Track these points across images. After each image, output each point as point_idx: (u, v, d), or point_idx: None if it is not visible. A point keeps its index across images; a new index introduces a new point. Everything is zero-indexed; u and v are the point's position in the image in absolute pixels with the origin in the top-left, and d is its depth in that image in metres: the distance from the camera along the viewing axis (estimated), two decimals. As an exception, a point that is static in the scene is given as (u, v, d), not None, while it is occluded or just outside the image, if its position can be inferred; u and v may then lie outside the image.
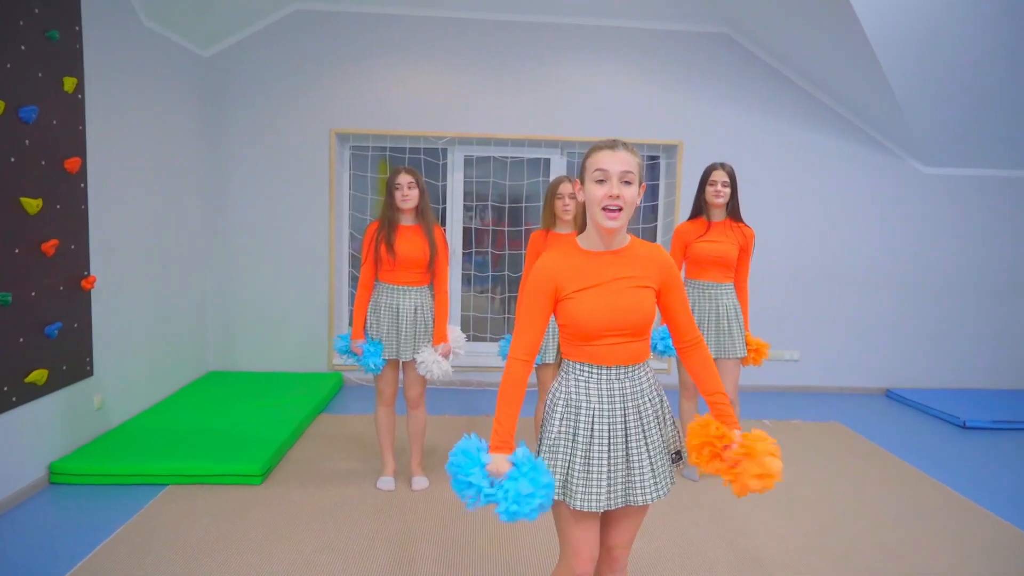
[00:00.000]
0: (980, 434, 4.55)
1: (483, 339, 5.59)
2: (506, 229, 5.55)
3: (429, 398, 4.84)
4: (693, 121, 5.31)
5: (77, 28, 3.37)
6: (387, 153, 5.38)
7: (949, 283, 5.50)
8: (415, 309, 3.21)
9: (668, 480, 1.73)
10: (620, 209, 1.61)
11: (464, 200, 5.51)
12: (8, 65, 2.90)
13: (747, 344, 3.45)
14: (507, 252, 5.56)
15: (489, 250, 5.58)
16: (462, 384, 5.37)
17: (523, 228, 5.54)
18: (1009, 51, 4.29)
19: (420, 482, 3.37)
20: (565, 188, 3.21)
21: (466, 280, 5.61)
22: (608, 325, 1.63)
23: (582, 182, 1.69)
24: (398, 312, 3.20)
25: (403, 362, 3.29)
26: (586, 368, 1.67)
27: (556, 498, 1.66)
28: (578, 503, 1.64)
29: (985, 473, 3.80)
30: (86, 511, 3.02)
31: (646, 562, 2.68)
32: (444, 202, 5.46)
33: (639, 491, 1.67)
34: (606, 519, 1.81)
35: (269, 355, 5.28)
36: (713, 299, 3.41)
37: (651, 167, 5.59)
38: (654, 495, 1.69)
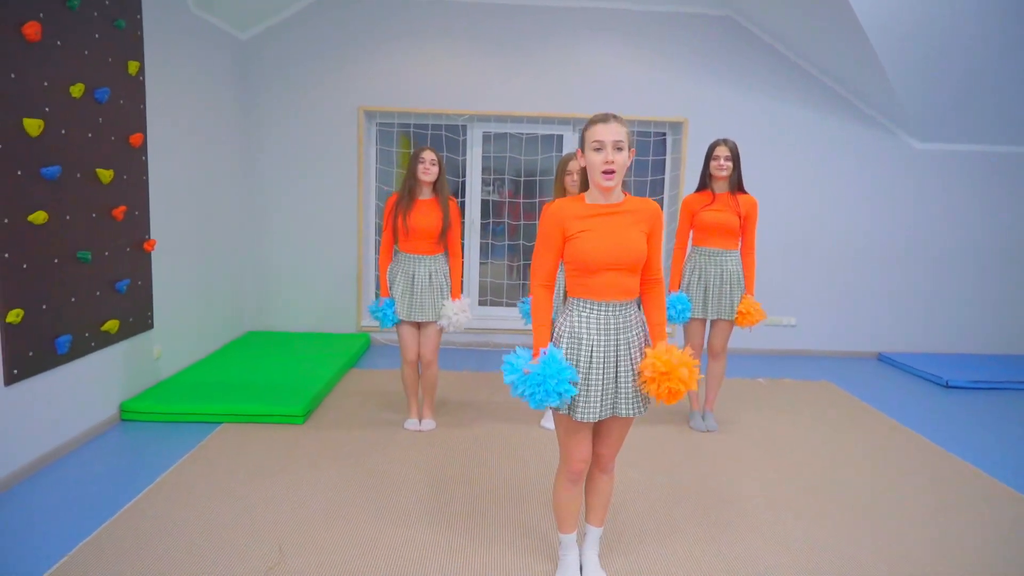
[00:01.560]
0: (960, 392, 4.90)
1: (499, 304, 6.00)
2: (521, 201, 5.92)
3: (448, 358, 5.30)
4: (698, 99, 5.63)
5: (138, 16, 3.76)
6: (411, 129, 5.76)
7: (941, 254, 5.82)
8: (429, 276, 3.62)
9: (647, 401, 2.15)
10: (614, 171, 2.00)
11: (482, 174, 5.88)
12: (86, 52, 3.30)
13: (744, 305, 3.77)
14: (522, 222, 5.93)
15: (506, 221, 5.96)
16: (480, 345, 5.79)
17: (537, 200, 5.92)
18: (999, 29, 4.55)
19: (428, 424, 3.84)
20: (574, 165, 3.54)
21: (484, 249, 6.00)
22: (607, 259, 2.02)
23: (583, 151, 2.08)
24: (413, 278, 3.61)
25: (420, 324, 3.71)
26: (587, 304, 2.07)
27: (560, 412, 2.07)
28: (578, 415, 2.06)
29: (961, 427, 4.16)
30: (154, 443, 3.48)
31: (640, 490, 3.09)
32: (464, 176, 5.84)
33: (623, 406, 2.09)
34: (597, 432, 2.23)
35: (302, 316, 5.72)
36: (718, 264, 3.74)
37: (658, 143, 5.93)
38: (636, 411, 2.11)
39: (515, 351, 2.13)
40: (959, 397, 4.79)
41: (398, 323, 3.67)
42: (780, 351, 5.91)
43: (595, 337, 2.06)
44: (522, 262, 6.02)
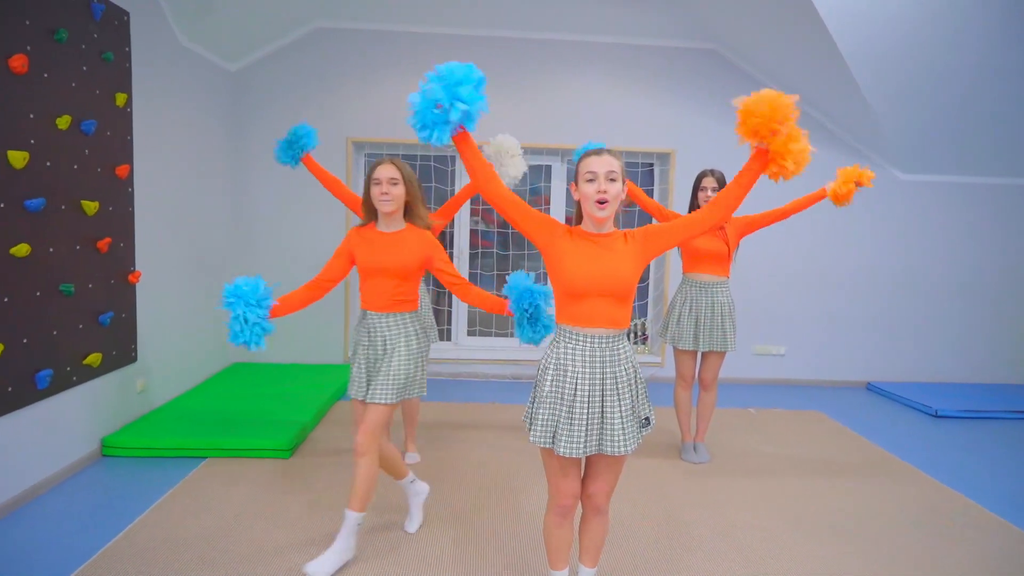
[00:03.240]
0: (949, 422, 4.90)
1: (488, 334, 5.97)
2: (510, 232, 5.93)
3: (436, 388, 5.24)
4: (684, 131, 5.70)
5: (127, 49, 3.76)
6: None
7: (929, 284, 5.86)
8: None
9: (635, 439, 2.08)
10: (607, 201, 2.01)
11: (471, 203, 5.89)
12: (73, 84, 3.29)
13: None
14: (511, 252, 5.93)
15: (495, 251, 5.96)
16: (468, 376, 5.74)
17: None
18: (977, 63, 4.65)
19: (411, 457, 3.79)
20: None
21: (472, 279, 5.99)
22: (591, 284, 1.99)
23: (577, 184, 2.08)
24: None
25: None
26: (574, 334, 2.04)
27: (545, 447, 2.04)
28: (562, 450, 2.01)
29: (951, 456, 4.15)
30: (136, 480, 3.40)
31: (633, 524, 3.05)
32: (452, 206, 5.83)
33: (609, 443, 2.03)
34: (588, 472, 2.19)
35: (288, 348, 5.66)
36: (709, 295, 3.73)
37: (646, 173, 5.97)
38: (623, 448, 2.03)
39: None
40: (948, 426, 4.79)
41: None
42: (770, 380, 5.90)
43: (579, 369, 2.02)
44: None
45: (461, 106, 1.93)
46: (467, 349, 5.88)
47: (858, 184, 3.71)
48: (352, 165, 5.60)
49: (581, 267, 2.01)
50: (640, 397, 2.11)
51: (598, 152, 2.07)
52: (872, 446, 4.25)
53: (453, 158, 5.81)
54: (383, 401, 2.58)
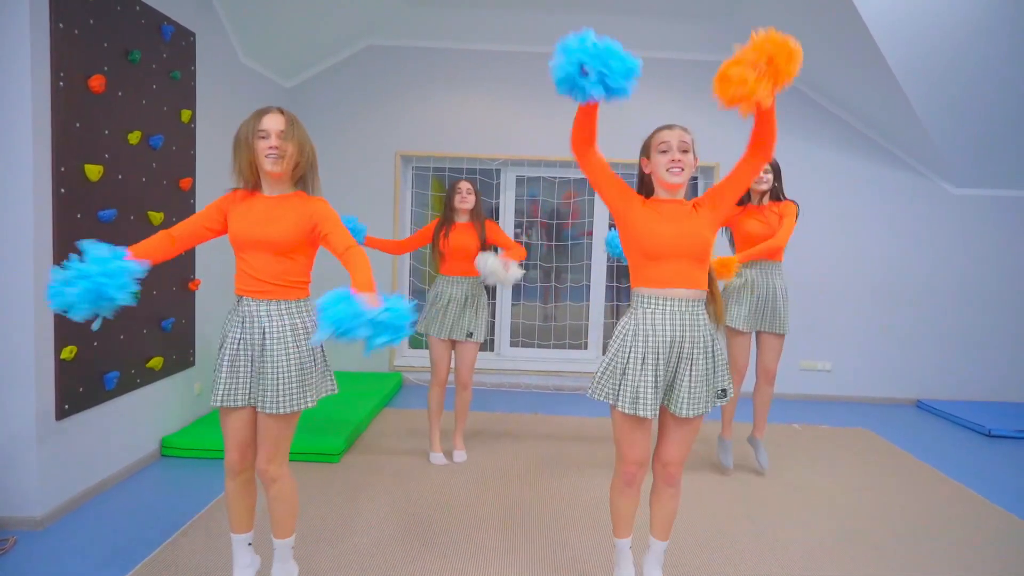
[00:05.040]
0: (1003, 442, 4.77)
1: (531, 345, 6.03)
2: (554, 244, 6.00)
3: (479, 398, 5.30)
4: (729, 144, 5.66)
5: (192, 68, 3.96)
6: (446, 173, 5.90)
7: (981, 300, 5.72)
8: (465, 297, 3.79)
9: (706, 404, 2.13)
10: (682, 168, 2.08)
11: (515, 216, 5.98)
12: (144, 101, 3.49)
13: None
14: (554, 264, 6.00)
15: (539, 262, 6.03)
16: (511, 386, 5.81)
17: (569, 243, 5.98)
18: (1029, 78, 4.57)
19: (460, 455, 3.92)
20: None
21: (515, 291, 6.06)
22: (670, 244, 2.05)
23: (648, 157, 2.17)
24: (449, 299, 3.77)
25: (456, 343, 3.83)
26: (653, 298, 2.09)
27: (617, 407, 2.10)
28: (627, 408, 2.08)
29: (1005, 477, 4.05)
30: (193, 479, 3.54)
31: (674, 533, 3.07)
32: (497, 218, 5.94)
33: (675, 404, 2.11)
34: (660, 437, 2.25)
35: (337, 356, 5.80)
36: (766, 276, 3.68)
37: (690, 188, 5.96)
38: (688, 411, 2.10)
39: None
40: (1002, 446, 4.67)
41: (431, 336, 3.81)
42: (815, 396, 5.82)
43: (660, 333, 2.08)
44: (553, 304, 6.06)
45: (599, 89, 1.86)
46: (510, 360, 5.95)
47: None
48: (400, 178, 5.74)
49: (657, 228, 2.07)
50: (719, 367, 2.16)
51: (670, 126, 2.16)
52: (922, 465, 4.17)
53: (498, 171, 5.91)
54: (276, 411, 2.09)
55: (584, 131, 2.03)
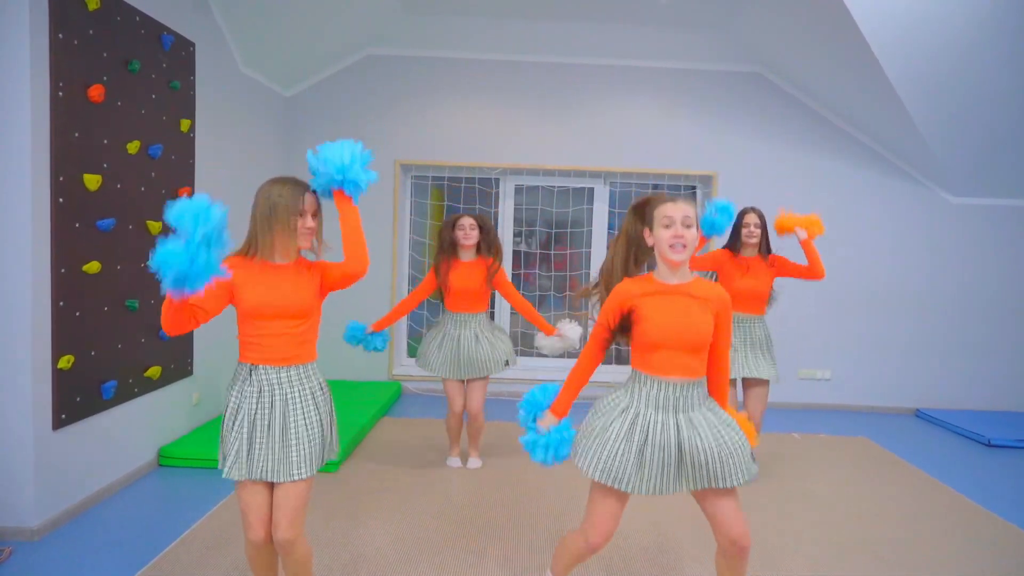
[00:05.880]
0: (1003, 451, 4.76)
1: (530, 355, 6.02)
2: (552, 252, 6.00)
3: (489, 405, 5.29)
4: (728, 153, 5.71)
5: (192, 77, 3.97)
6: (445, 182, 5.92)
7: (981, 308, 5.72)
8: (475, 335, 3.76)
9: (745, 471, 2.05)
10: (685, 245, 2.04)
11: (514, 226, 5.99)
12: (143, 111, 3.49)
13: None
14: (553, 273, 6.00)
15: (537, 272, 6.03)
16: (509, 395, 5.79)
17: (568, 252, 5.99)
18: (1027, 89, 4.59)
19: (474, 462, 3.99)
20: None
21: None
22: (673, 338, 2.02)
23: (651, 229, 2.11)
24: (459, 338, 3.74)
25: (467, 381, 3.86)
26: (649, 380, 2.06)
27: (602, 481, 2.05)
28: (625, 485, 2.02)
29: (1005, 487, 4.04)
30: (190, 489, 3.53)
31: (668, 546, 3.05)
32: (496, 227, 5.94)
33: (720, 478, 2.03)
34: (717, 517, 2.09)
35: (335, 364, 5.80)
36: (746, 330, 3.75)
37: (688, 197, 5.98)
38: (735, 480, 2.03)
39: (541, 391, 2.29)
40: (1002, 456, 4.65)
41: (444, 378, 3.81)
42: (814, 405, 5.81)
43: (652, 412, 2.04)
44: (552, 312, 6.06)
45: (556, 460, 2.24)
46: (510, 369, 5.92)
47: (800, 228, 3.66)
48: (399, 187, 5.75)
49: (657, 320, 2.03)
50: (731, 433, 2.08)
51: (673, 198, 2.10)
52: (921, 474, 4.16)
53: (497, 181, 5.93)
54: (301, 477, 2.07)
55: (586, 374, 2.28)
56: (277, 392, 2.08)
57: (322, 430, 2.15)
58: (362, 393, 5.27)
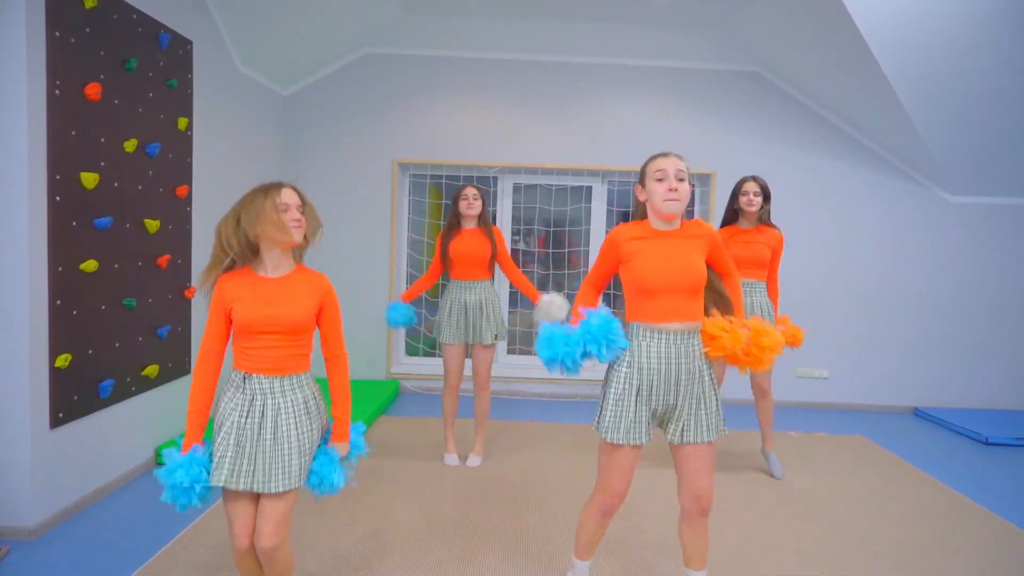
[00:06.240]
0: (1002, 450, 4.77)
1: (529, 353, 6.03)
2: (550, 251, 6.00)
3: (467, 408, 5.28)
4: (726, 152, 5.71)
5: (189, 76, 3.97)
6: (443, 180, 5.91)
7: (980, 307, 5.72)
8: (480, 302, 3.85)
9: (719, 428, 2.16)
10: (678, 198, 2.09)
11: (512, 224, 5.98)
12: (140, 109, 3.49)
13: (785, 330, 3.62)
14: (551, 272, 6.00)
15: (535, 270, 6.03)
16: (508, 394, 5.80)
17: (566, 250, 5.99)
18: (1025, 88, 4.59)
19: (474, 460, 3.98)
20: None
21: (512, 298, 6.06)
22: (666, 280, 2.07)
23: (643, 184, 2.17)
24: (465, 304, 3.83)
25: (473, 346, 3.89)
26: (648, 330, 2.11)
27: (608, 439, 2.12)
28: (620, 437, 2.10)
29: (1003, 485, 4.03)
30: (188, 487, 3.52)
31: (666, 545, 3.05)
32: (494, 224, 5.94)
33: (694, 432, 2.13)
34: (685, 471, 2.19)
35: (333, 363, 5.79)
36: (747, 295, 3.76)
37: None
38: (709, 436, 2.13)
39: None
40: (1001, 455, 4.66)
41: (447, 344, 3.88)
42: (812, 404, 5.81)
43: (655, 365, 2.09)
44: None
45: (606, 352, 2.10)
46: (508, 367, 5.94)
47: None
48: (397, 186, 5.75)
49: (651, 264, 2.09)
50: (716, 393, 2.18)
51: (665, 153, 2.16)
52: (919, 473, 4.16)
53: (495, 179, 5.92)
54: (288, 488, 2.04)
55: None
56: (269, 400, 2.07)
57: (312, 443, 2.12)
58: (360, 392, 5.27)
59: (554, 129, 5.73)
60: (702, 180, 5.88)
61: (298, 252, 2.19)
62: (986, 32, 4.27)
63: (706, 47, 5.54)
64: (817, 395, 5.82)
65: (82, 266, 3.08)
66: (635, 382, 2.10)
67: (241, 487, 2.01)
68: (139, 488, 3.50)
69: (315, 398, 2.17)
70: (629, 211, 5.45)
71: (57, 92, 2.89)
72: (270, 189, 2.07)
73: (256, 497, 2.10)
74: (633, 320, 2.15)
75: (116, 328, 3.38)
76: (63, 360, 2.98)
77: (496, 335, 3.90)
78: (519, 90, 5.71)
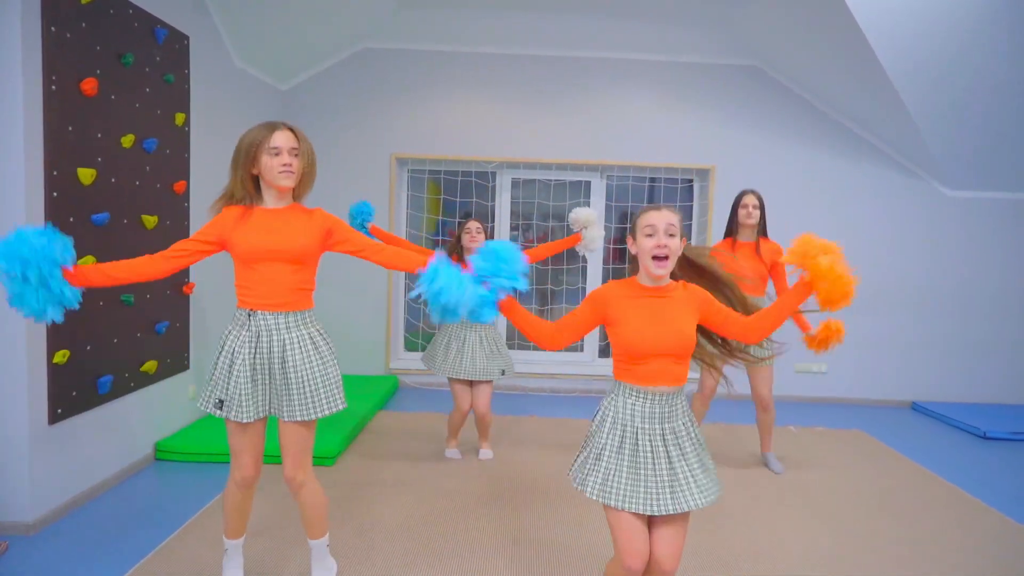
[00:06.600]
0: (999, 444, 4.78)
1: (527, 347, 6.03)
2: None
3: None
4: (725, 147, 5.70)
5: (186, 71, 3.96)
6: (441, 176, 5.91)
7: (977, 301, 5.73)
8: (480, 338, 3.84)
9: (713, 491, 2.00)
10: (667, 257, 1.99)
11: (511, 219, 5.98)
12: (137, 105, 3.48)
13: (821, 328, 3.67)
14: (550, 267, 6.00)
15: (534, 265, 6.02)
16: (507, 389, 5.80)
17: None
18: (1024, 81, 4.59)
19: (486, 453, 4.04)
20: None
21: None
22: (653, 346, 1.96)
23: (634, 238, 2.06)
24: (464, 339, 3.83)
25: (473, 383, 3.89)
26: (634, 391, 2.01)
27: (608, 504, 1.97)
28: (638, 508, 1.93)
29: (1001, 479, 4.05)
30: (187, 483, 3.53)
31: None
32: (492, 220, 5.94)
33: (686, 498, 1.94)
34: (655, 534, 2.02)
35: (332, 358, 5.80)
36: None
37: (685, 190, 5.98)
38: (701, 502, 1.96)
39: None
40: (998, 449, 4.67)
41: (449, 378, 3.88)
42: (810, 398, 5.82)
43: (639, 424, 1.99)
44: (550, 306, 6.06)
45: (505, 282, 1.94)
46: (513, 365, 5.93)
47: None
48: (395, 180, 5.74)
49: (641, 330, 1.97)
50: (703, 451, 2.06)
51: (657, 207, 2.04)
52: (916, 467, 4.17)
53: (494, 174, 5.92)
54: (305, 418, 2.17)
55: (529, 329, 2.05)
56: (275, 336, 2.15)
57: (324, 374, 2.20)
58: (359, 387, 5.27)
59: (553, 124, 5.72)
60: (700, 175, 5.87)
61: (297, 192, 2.27)
62: (985, 26, 4.27)
63: (705, 42, 5.52)
64: (815, 390, 5.83)
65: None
66: (617, 438, 1.99)
67: (259, 416, 2.16)
68: (138, 484, 3.51)
69: (320, 334, 2.24)
70: (627, 208, 5.58)
71: (53, 87, 2.88)
72: (264, 129, 2.16)
73: (263, 430, 2.25)
74: (620, 379, 2.05)
75: (114, 324, 3.38)
76: (61, 356, 2.98)
77: (504, 371, 3.88)
78: (517, 85, 5.70)
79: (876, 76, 4.76)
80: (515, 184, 5.95)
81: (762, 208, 3.78)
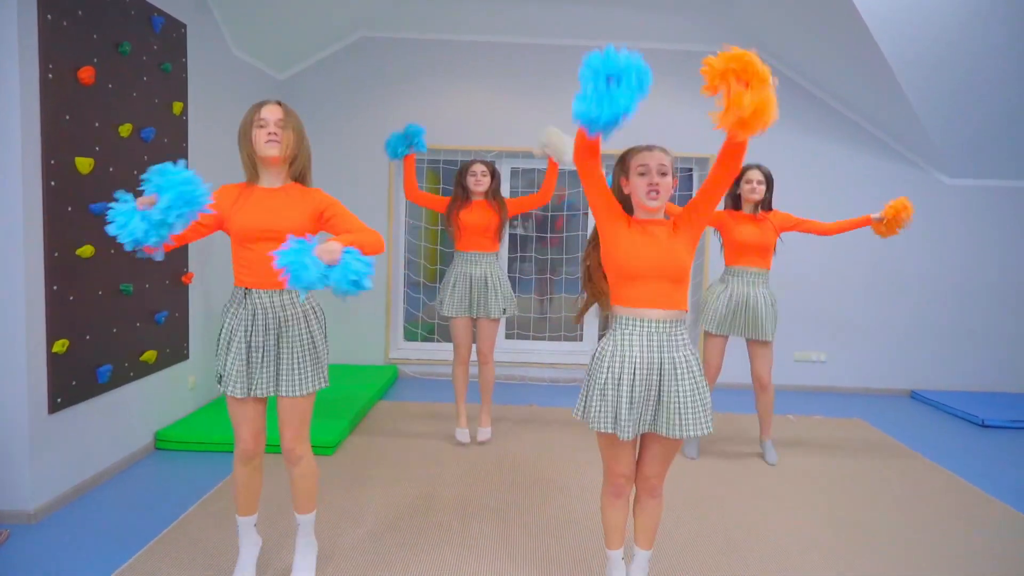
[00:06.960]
0: (997, 432, 4.79)
1: (527, 337, 6.04)
2: (548, 235, 5.99)
3: (474, 390, 5.29)
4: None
5: (184, 60, 3.94)
6: (440, 165, 5.89)
7: (976, 290, 5.73)
8: (485, 276, 3.86)
9: (701, 426, 2.06)
10: (659, 192, 2.06)
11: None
12: (134, 94, 3.46)
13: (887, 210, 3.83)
14: (549, 256, 5.99)
15: (533, 255, 6.02)
16: (506, 379, 5.81)
17: (564, 235, 5.98)
18: (1024, 69, 4.57)
19: (484, 432, 4.04)
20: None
21: (512, 283, 6.04)
22: (647, 264, 2.03)
23: (627, 177, 2.13)
24: (471, 278, 3.84)
25: (478, 320, 3.91)
26: (631, 319, 2.07)
27: (603, 431, 2.08)
28: (618, 433, 2.06)
29: (998, 467, 4.06)
30: (187, 472, 3.54)
31: (666, 527, 3.07)
32: (492, 210, 5.92)
33: (666, 425, 2.06)
34: (643, 454, 2.24)
35: (331, 348, 5.79)
36: (749, 284, 3.74)
37: (684, 178, 5.97)
38: (679, 432, 2.05)
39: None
40: (996, 436, 4.69)
41: (452, 317, 3.90)
42: (810, 387, 5.83)
43: (637, 353, 2.04)
44: (550, 296, 6.06)
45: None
46: (506, 352, 5.95)
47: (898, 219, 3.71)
48: (394, 170, 5.73)
49: (635, 249, 2.05)
50: (701, 386, 2.10)
51: (649, 147, 2.12)
52: (915, 455, 4.19)
53: (494, 161, 5.88)
54: (302, 392, 2.26)
55: (589, 145, 2.00)
56: (271, 314, 2.22)
57: (316, 350, 2.28)
58: (359, 377, 5.28)
59: (551, 112, 5.67)
60: (699, 164, 5.86)
61: (300, 179, 2.31)
62: (984, 12, 4.24)
63: (704, 29, 5.49)
64: (815, 379, 5.85)
65: (78, 251, 3.07)
66: (616, 371, 2.06)
67: (256, 394, 2.24)
68: (139, 472, 3.52)
69: (315, 310, 2.32)
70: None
71: (50, 76, 2.87)
72: (255, 106, 2.22)
73: (263, 405, 2.33)
74: (616, 305, 2.11)
75: (113, 313, 3.37)
76: (60, 345, 2.98)
77: (505, 309, 3.89)
78: (515, 73, 5.68)
79: (876, 64, 4.75)
80: (514, 174, 5.93)
81: (768, 183, 3.72)
